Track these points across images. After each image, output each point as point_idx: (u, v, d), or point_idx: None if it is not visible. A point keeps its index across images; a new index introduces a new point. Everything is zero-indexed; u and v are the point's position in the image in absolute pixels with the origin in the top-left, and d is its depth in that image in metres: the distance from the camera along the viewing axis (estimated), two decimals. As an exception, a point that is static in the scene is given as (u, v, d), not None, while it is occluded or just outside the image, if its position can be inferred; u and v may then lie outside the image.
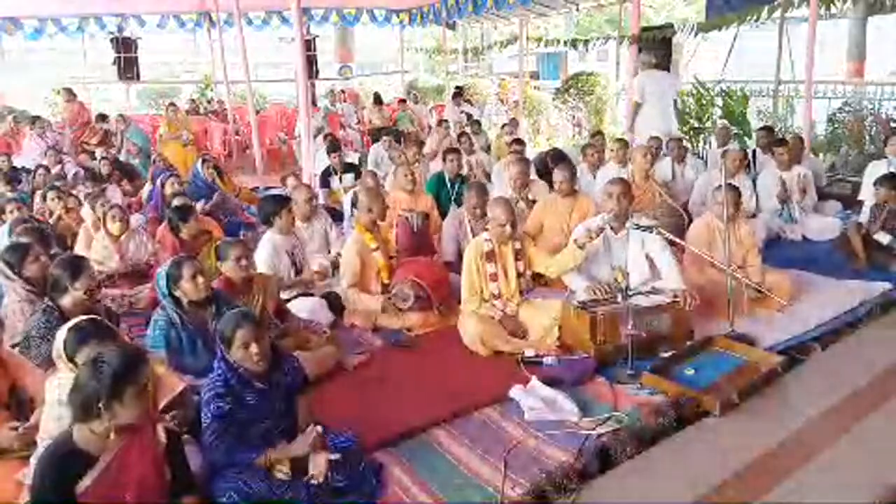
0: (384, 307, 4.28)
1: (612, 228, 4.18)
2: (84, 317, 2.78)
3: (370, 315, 4.32)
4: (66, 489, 2.03)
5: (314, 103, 12.62)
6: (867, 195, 5.86)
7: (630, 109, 8.40)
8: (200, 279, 3.27)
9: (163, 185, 6.40)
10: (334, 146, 7.64)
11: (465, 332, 3.89)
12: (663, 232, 4.01)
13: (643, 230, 4.00)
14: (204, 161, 7.25)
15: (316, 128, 9.30)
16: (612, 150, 6.80)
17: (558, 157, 6.91)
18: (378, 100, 13.06)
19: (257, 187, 8.58)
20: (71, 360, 2.59)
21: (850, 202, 6.56)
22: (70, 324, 2.68)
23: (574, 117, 12.68)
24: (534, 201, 5.37)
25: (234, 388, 2.58)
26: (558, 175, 5.03)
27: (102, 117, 10.89)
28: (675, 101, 8.54)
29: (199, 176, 7.07)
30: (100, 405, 2.05)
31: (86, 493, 2.04)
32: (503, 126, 10.24)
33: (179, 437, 2.39)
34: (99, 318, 2.87)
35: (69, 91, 10.72)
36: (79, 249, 5.20)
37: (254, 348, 2.55)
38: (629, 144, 6.90)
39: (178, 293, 3.28)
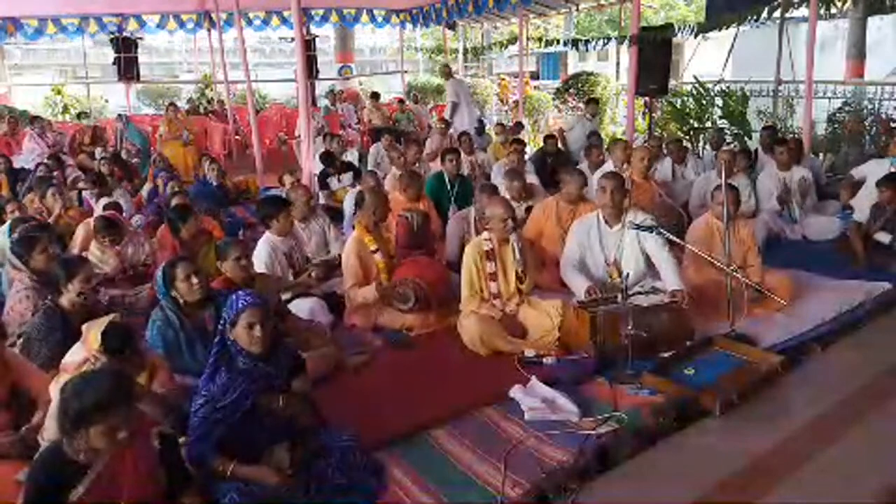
0: (381, 295, 4.22)
1: (606, 222, 4.19)
2: (111, 316, 2.81)
3: (370, 315, 4.31)
4: (57, 498, 2.01)
5: (314, 103, 12.62)
6: (862, 196, 5.86)
7: (448, 109, 10.40)
8: (195, 280, 3.27)
9: (160, 186, 6.42)
10: (328, 160, 7.63)
11: (465, 332, 3.88)
12: (663, 231, 4.01)
13: (643, 230, 4.00)
14: (211, 161, 7.40)
15: (316, 128, 9.33)
16: (608, 151, 6.81)
17: (565, 161, 6.93)
18: (376, 97, 13.05)
19: (257, 187, 8.57)
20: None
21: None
22: (99, 322, 2.71)
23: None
24: (529, 207, 5.35)
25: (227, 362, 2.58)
26: (572, 184, 4.91)
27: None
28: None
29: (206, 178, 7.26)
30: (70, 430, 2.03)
31: (80, 501, 2.02)
32: (497, 125, 10.29)
33: (175, 440, 2.38)
34: (120, 322, 2.86)
35: None
36: (75, 247, 5.18)
37: (257, 331, 2.55)
38: (630, 145, 6.90)
39: (174, 294, 3.28)
